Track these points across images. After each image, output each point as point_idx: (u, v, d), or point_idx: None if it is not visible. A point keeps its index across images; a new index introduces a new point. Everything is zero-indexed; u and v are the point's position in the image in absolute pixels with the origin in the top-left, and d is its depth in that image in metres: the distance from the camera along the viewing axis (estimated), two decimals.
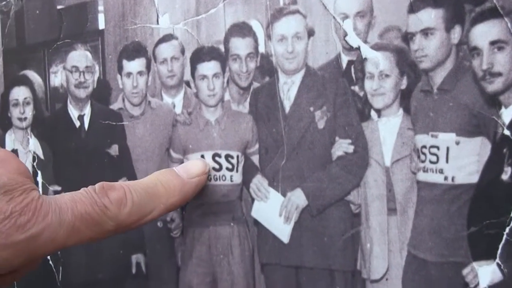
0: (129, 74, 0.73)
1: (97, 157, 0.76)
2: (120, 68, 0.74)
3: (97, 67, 0.76)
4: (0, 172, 0.51)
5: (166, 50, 0.70)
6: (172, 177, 0.60)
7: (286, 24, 0.62)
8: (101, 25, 0.75)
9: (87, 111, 0.77)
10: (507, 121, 0.51)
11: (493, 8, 0.51)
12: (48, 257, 0.80)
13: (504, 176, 0.51)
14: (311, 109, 0.61)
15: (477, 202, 0.53)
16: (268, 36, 0.63)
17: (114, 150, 0.74)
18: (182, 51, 0.69)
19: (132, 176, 0.72)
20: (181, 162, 0.70)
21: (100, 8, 0.75)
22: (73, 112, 0.78)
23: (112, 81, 0.75)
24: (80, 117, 0.78)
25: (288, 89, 0.63)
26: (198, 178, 0.62)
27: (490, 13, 0.51)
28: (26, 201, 0.50)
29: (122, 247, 0.74)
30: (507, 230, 0.51)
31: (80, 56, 0.77)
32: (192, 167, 0.62)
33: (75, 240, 0.53)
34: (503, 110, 0.51)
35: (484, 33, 0.52)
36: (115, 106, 0.75)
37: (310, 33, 0.61)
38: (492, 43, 0.51)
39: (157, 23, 0.70)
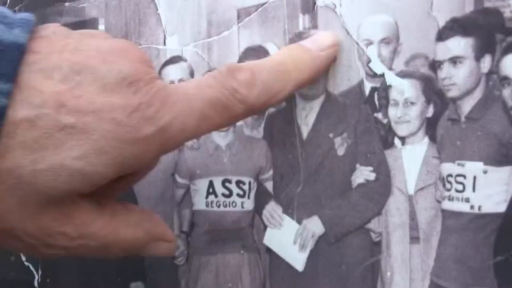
0: None
1: None
2: None
3: None
4: (121, 62, 0.46)
5: (173, 72, 0.68)
6: (301, 51, 0.57)
7: None
8: None
9: None
10: None
11: None
12: (35, 282, 0.76)
13: None
14: (331, 135, 0.60)
15: (504, 231, 0.53)
16: None
17: None
18: (191, 74, 0.67)
19: (133, 201, 0.69)
20: (187, 187, 0.68)
21: (101, 27, 0.72)
22: None
23: None
24: None
25: (306, 115, 0.62)
26: (329, 50, 0.59)
27: None
28: (153, 91, 0.46)
29: (119, 274, 0.71)
30: None
31: None
32: (322, 39, 0.59)
33: (205, 127, 0.50)
34: None
35: None
36: None
37: None
38: None
39: (164, 44, 0.68)
